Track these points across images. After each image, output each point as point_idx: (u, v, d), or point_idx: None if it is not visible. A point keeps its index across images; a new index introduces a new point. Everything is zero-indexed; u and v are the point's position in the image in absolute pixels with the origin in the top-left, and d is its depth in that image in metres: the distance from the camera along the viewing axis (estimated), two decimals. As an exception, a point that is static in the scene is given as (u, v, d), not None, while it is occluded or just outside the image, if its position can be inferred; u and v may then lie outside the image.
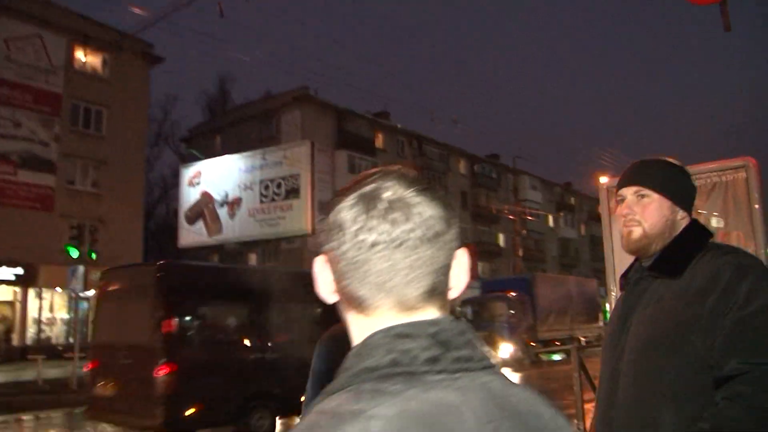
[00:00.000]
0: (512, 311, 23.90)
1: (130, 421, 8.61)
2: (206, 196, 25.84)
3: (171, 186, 45.12)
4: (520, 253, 37.33)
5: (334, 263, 0.85)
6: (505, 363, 21.22)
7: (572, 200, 59.28)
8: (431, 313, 0.83)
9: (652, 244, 1.91)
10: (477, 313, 23.80)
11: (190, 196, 26.67)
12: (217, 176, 25.74)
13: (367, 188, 0.84)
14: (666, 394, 1.73)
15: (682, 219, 1.93)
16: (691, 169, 6.01)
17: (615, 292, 6.10)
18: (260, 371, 9.27)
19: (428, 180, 0.89)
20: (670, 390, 1.72)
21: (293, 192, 22.81)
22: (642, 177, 1.95)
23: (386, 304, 0.82)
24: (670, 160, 2.01)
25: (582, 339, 27.02)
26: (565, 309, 27.45)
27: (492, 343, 21.46)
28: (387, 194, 0.83)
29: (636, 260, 2.05)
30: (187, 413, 8.23)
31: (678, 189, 1.94)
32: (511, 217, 35.28)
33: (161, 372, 8.00)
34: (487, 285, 28.48)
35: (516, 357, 22.50)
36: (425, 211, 0.82)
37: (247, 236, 25.01)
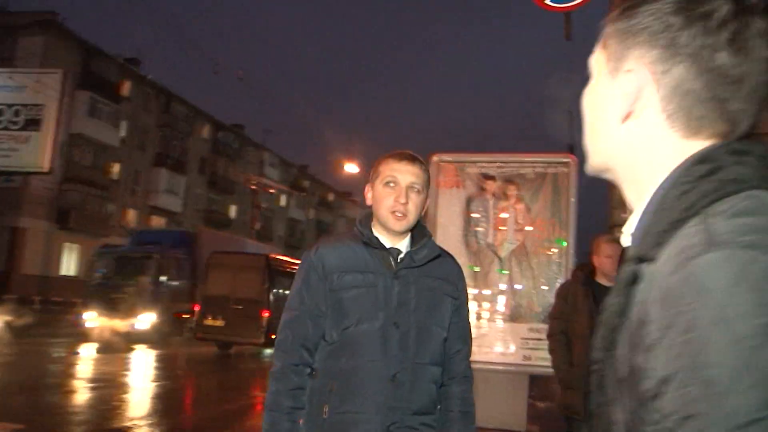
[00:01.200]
0: (161, 272, 19.70)
1: (238, 340, 16.38)
2: None
3: None
4: (257, 226, 37.16)
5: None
6: (144, 336, 17.85)
7: (306, 183, 60.66)
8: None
9: None
10: (117, 271, 19.23)
11: None
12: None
13: None
14: None
15: None
16: (526, 157, 6.50)
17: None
18: None
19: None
20: None
21: (33, 123, 20.06)
22: None
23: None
24: None
25: None
26: None
27: (128, 310, 18.02)
28: None
29: None
30: (273, 337, 11.32)
31: None
32: (253, 187, 34.89)
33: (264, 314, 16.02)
34: (138, 236, 22.94)
35: (159, 330, 18.67)
36: None
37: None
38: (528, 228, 6.51)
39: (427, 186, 2.24)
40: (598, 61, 0.86)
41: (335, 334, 2.14)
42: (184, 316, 19.82)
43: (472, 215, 6.66)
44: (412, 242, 2.25)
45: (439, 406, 2.21)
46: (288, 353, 2.16)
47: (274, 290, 16.49)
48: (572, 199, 6.34)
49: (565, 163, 6.47)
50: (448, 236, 6.53)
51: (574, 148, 17.00)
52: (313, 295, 2.17)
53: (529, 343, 6.20)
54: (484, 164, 6.72)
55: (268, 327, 15.60)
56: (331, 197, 66.15)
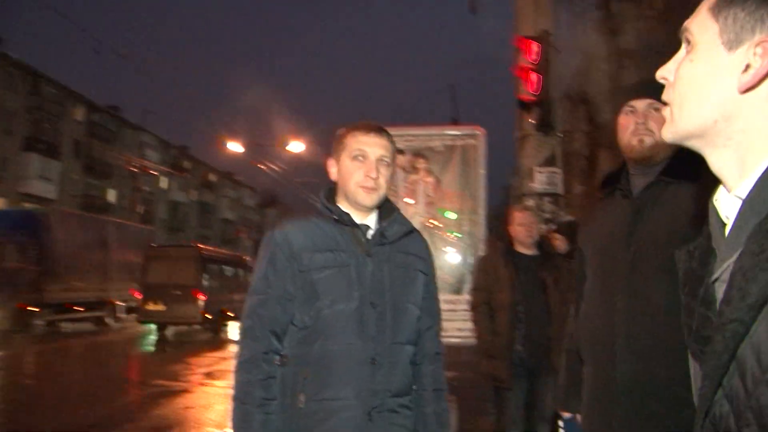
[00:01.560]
0: None
1: (177, 320, 18.52)
2: None
3: None
4: (141, 210, 35.59)
5: None
6: None
7: (187, 164, 58.68)
8: None
9: (660, 153, 2.05)
10: None
11: None
12: None
13: None
14: None
15: None
16: (435, 130, 6.51)
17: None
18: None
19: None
20: None
21: None
22: (657, 91, 2.04)
23: None
24: None
25: (120, 303, 21.71)
26: (98, 262, 20.94)
27: None
28: None
29: (617, 172, 2.18)
30: (208, 316, 18.38)
31: None
32: (133, 169, 33.30)
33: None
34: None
35: None
36: None
37: None
38: (438, 200, 6.53)
39: (395, 159, 2.15)
40: (705, 32, 0.86)
41: (307, 318, 2.02)
42: (29, 308, 17.64)
43: (382, 190, 6.59)
44: (380, 217, 2.16)
45: (414, 386, 2.14)
46: (257, 340, 2.03)
47: (207, 276, 18.98)
48: (481, 171, 6.41)
49: (474, 136, 6.52)
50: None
51: (458, 121, 17.59)
52: (280, 278, 2.04)
53: (444, 315, 6.25)
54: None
55: (205, 308, 18.21)
56: (213, 177, 64.43)
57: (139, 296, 19.09)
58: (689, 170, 1.96)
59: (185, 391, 9.49)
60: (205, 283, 18.70)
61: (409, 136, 6.64)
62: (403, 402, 2.07)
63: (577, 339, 2.23)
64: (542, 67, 5.72)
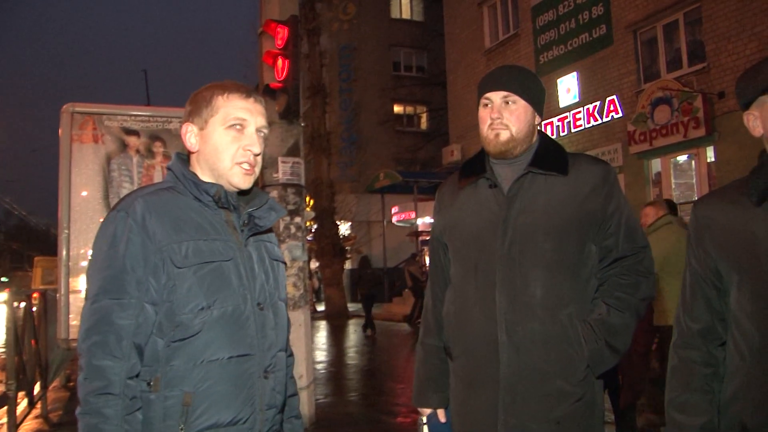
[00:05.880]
0: None
1: None
2: None
3: None
4: None
5: None
6: None
7: None
8: None
9: (518, 147, 2.05)
10: None
11: None
12: None
13: None
14: (569, 271, 1.97)
15: (538, 123, 2.12)
16: (175, 111, 6.05)
17: (67, 227, 5.62)
18: None
19: None
20: (570, 268, 1.98)
21: None
22: (510, 83, 2.05)
23: None
24: (526, 67, 2.18)
25: None
26: None
27: None
28: None
29: (476, 161, 2.15)
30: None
31: (537, 95, 2.10)
32: None
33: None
34: None
35: None
36: None
37: None
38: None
39: None
40: None
41: (181, 327, 1.58)
42: None
43: (113, 174, 5.99)
44: (245, 199, 1.79)
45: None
46: (118, 360, 1.51)
47: None
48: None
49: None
50: (86, 199, 5.80)
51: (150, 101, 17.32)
52: (138, 274, 1.56)
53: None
54: (125, 117, 6.06)
55: None
56: None
57: None
58: (557, 163, 2.02)
59: None
60: None
61: (144, 116, 6.11)
62: (281, 418, 1.80)
63: (445, 332, 2.14)
64: (290, 52, 5.60)
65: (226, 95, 1.72)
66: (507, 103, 2.04)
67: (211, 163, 1.72)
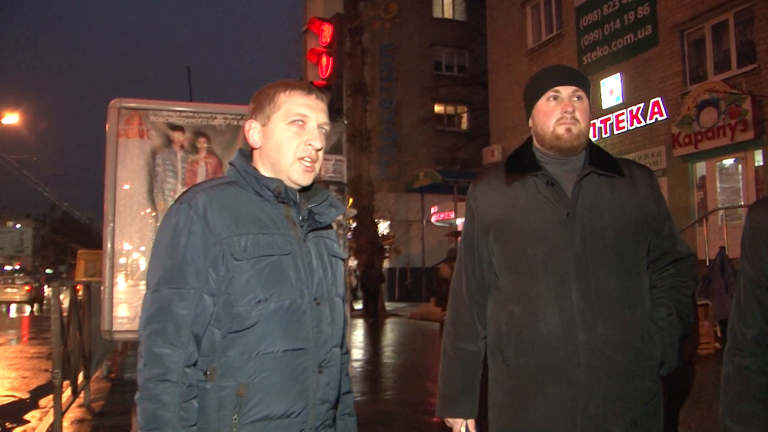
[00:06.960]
0: None
1: None
2: None
3: None
4: None
5: None
6: None
7: None
8: None
9: (582, 144, 2.02)
10: None
11: None
12: None
13: None
14: (636, 270, 1.99)
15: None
16: (218, 108, 6.13)
17: (112, 221, 5.71)
18: None
19: None
20: (636, 267, 1.99)
21: None
22: (577, 79, 2.02)
23: None
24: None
25: None
26: None
27: None
28: None
29: (524, 157, 2.08)
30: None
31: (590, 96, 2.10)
32: None
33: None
34: None
35: None
36: None
37: None
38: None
39: None
40: None
41: (237, 318, 1.61)
42: None
43: (158, 169, 6.08)
44: (305, 195, 1.80)
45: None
46: (176, 348, 1.55)
47: None
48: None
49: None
50: (130, 193, 5.89)
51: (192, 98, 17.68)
52: (197, 265, 1.59)
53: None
54: (170, 113, 6.14)
55: None
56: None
57: None
58: (614, 165, 2.02)
59: None
60: None
61: (189, 112, 6.19)
62: (334, 414, 1.81)
63: (502, 335, 2.01)
64: (335, 50, 5.61)
65: (288, 92, 1.73)
66: (576, 98, 2.00)
67: (273, 159, 1.73)
